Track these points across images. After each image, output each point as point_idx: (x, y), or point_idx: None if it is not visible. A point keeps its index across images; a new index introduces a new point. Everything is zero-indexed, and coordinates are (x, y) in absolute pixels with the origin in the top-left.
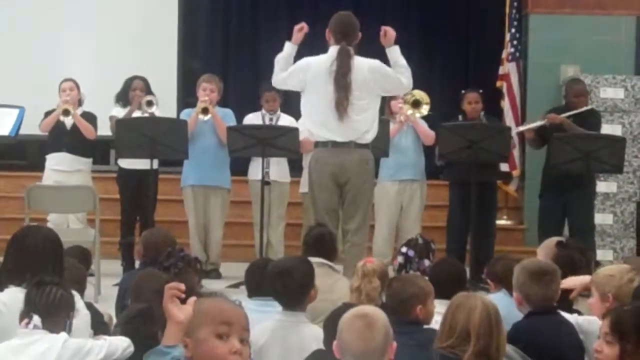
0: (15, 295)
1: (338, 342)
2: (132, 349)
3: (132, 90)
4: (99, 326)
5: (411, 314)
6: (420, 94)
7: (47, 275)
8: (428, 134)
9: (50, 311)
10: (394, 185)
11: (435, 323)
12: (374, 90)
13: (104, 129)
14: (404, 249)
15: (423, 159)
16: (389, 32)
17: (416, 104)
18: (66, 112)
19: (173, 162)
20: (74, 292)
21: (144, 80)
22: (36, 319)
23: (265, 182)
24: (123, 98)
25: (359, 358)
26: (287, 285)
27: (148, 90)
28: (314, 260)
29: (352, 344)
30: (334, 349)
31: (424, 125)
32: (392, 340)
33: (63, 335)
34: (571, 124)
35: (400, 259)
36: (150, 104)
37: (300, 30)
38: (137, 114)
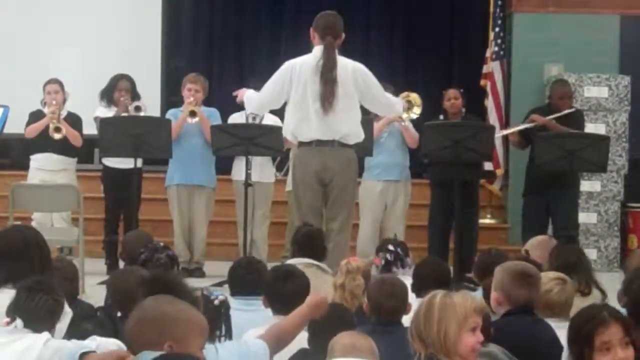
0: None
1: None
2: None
3: (117, 91)
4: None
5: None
6: (414, 97)
7: (44, 278)
8: (415, 138)
9: (35, 320)
10: (378, 185)
11: None
12: (354, 92)
13: (88, 128)
14: (390, 247)
15: (408, 159)
16: None
17: (408, 106)
18: (58, 130)
19: (158, 161)
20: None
21: (130, 80)
22: (19, 323)
23: (247, 184)
24: (107, 96)
25: (347, 347)
26: (287, 291)
27: (134, 91)
28: (302, 261)
29: (341, 339)
30: None
31: (412, 129)
32: None
33: (45, 334)
34: (555, 124)
35: (388, 256)
36: (138, 109)
37: None
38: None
